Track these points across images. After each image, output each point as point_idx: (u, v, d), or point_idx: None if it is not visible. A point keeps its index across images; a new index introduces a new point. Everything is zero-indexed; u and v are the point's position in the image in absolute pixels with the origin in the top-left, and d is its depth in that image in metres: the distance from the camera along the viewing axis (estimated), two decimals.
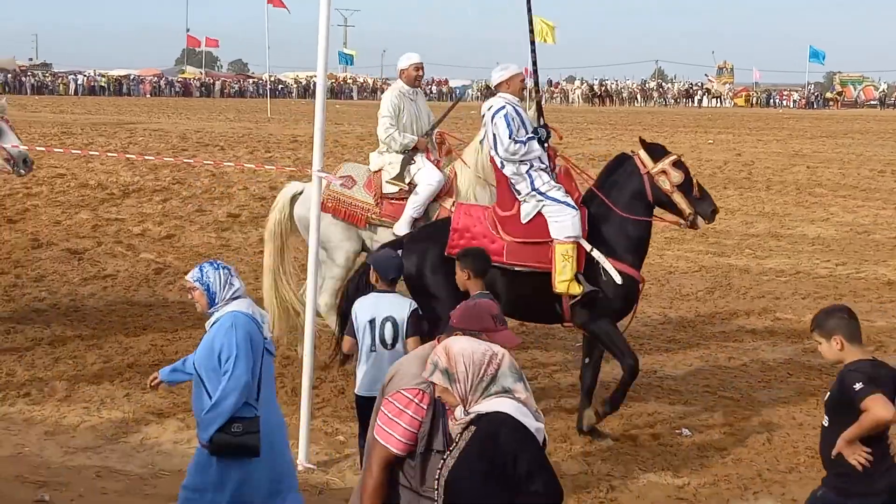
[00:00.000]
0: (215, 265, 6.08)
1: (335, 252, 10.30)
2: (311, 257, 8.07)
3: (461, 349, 4.18)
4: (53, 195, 20.71)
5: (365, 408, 6.99)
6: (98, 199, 20.48)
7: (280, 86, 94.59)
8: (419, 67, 10.50)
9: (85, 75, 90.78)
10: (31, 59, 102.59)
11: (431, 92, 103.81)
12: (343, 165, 10.97)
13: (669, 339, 11.88)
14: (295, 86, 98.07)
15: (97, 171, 24.01)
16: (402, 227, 9.93)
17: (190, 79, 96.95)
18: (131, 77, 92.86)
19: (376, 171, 10.31)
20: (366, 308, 7.16)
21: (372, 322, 7.09)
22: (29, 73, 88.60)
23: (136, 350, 10.74)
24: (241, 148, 32.48)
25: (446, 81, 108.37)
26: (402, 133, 10.22)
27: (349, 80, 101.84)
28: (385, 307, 7.14)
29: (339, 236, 10.26)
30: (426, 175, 10.10)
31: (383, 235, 10.07)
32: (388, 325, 7.09)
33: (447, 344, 4.25)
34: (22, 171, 10.60)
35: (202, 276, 6.02)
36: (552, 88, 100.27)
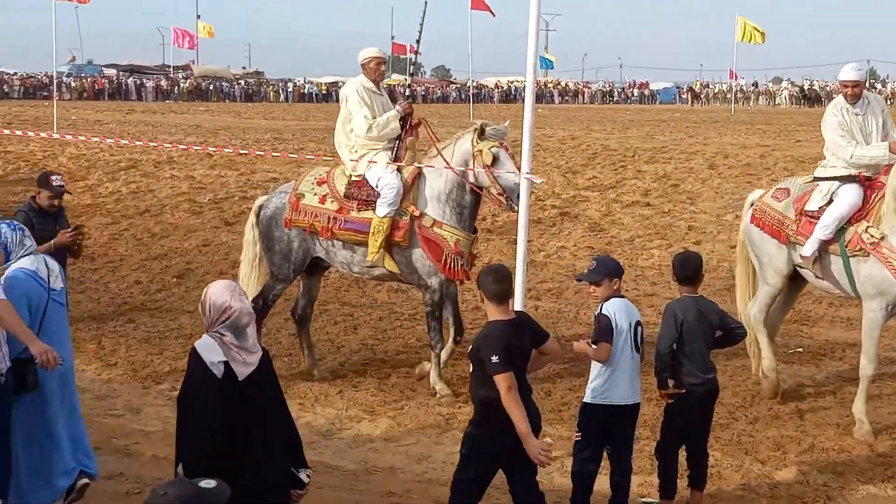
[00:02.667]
0: (12, 226, 6.70)
1: (766, 269, 9.66)
2: (519, 257, 8.09)
3: (212, 293, 5.38)
4: None
5: (622, 416, 6.96)
6: None
7: (482, 91, 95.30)
8: (846, 84, 9.17)
9: (295, 83, 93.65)
10: (244, 68, 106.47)
11: (633, 95, 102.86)
12: (788, 179, 10.21)
13: None
14: (496, 90, 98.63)
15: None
16: (807, 249, 9.10)
17: (395, 85, 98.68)
18: (339, 84, 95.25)
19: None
20: (623, 312, 6.95)
21: (630, 326, 6.94)
22: (242, 81, 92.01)
23: (348, 349, 11.02)
24: None
25: (647, 84, 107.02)
26: (869, 146, 9.01)
27: (550, 85, 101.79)
28: (633, 311, 7.07)
29: (771, 252, 9.53)
30: (843, 194, 9.00)
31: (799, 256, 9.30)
32: (640, 330, 7.01)
33: (211, 284, 5.50)
34: (514, 207, 9.09)
35: (0, 235, 6.59)
36: (757, 90, 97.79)
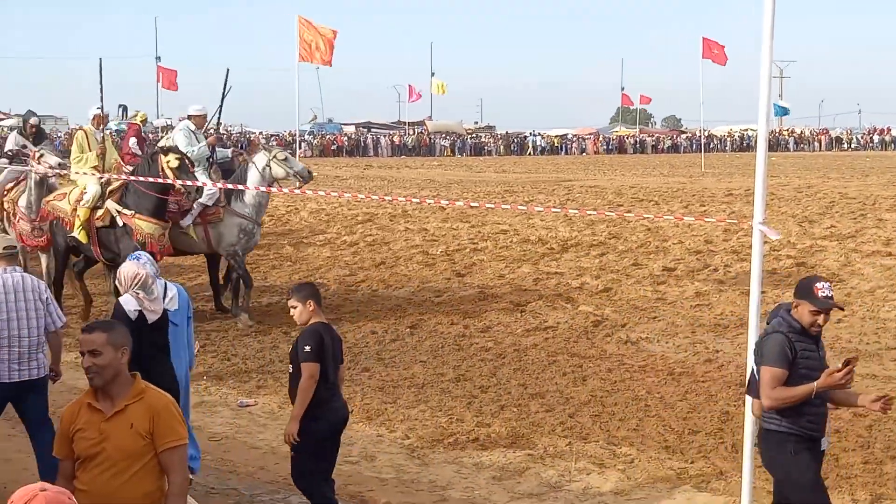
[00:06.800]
0: (131, 257, 8.37)
1: None
2: (752, 309, 7.92)
3: (124, 268, 7.80)
4: (497, 250, 21.70)
5: None
6: (538, 253, 21.22)
7: (713, 140, 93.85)
8: None
9: (524, 136, 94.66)
10: (476, 123, 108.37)
11: (872, 141, 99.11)
12: None
13: None
14: (728, 139, 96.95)
15: (537, 227, 24.91)
16: None
17: (624, 136, 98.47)
18: (569, 136, 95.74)
19: None
20: None
21: None
22: (474, 136, 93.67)
23: (577, 401, 10.99)
24: (675, 202, 32.52)
25: (888, 130, 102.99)
26: None
27: (785, 132, 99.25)
28: None
29: None
30: None
31: None
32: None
33: (122, 264, 8.04)
34: None
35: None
36: None
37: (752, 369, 6.77)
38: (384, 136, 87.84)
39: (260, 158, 15.04)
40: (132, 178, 14.04)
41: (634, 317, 15.13)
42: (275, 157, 14.95)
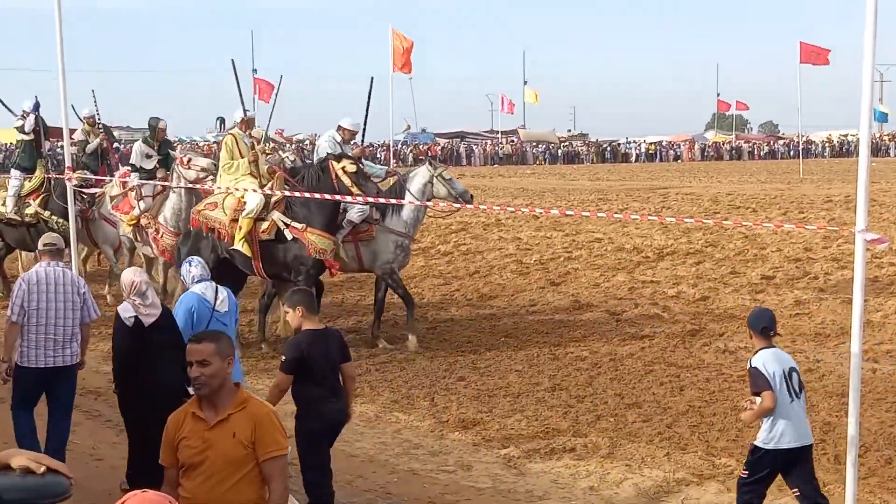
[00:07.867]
0: (186, 260, 9.52)
1: None
2: (855, 317, 7.77)
3: (123, 276, 8.45)
4: (592, 258, 21.60)
5: (796, 458, 7.26)
6: (634, 262, 21.06)
7: (811, 145, 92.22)
8: None
9: (618, 143, 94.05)
10: (569, 131, 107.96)
11: None
12: None
13: None
14: (827, 145, 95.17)
15: (632, 236, 24.74)
16: None
17: (720, 142, 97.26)
18: (663, 143, 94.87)
19: None
20: (773, 360, 7.29)
21: (783, 372, 7.26)
22: (567, 144, 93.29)
23: (675, 411, 10.88)
24: (773, 209, 32.03)
25: None
26: None
27: (886, 137, 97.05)
28: (785, 358, 7.40)
29: None
30: None
31: None
32: (795, 376, 7.31)
33: (123, 271, 9.20)
34: None
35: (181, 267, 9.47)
36: None
37: None
38: (477, 146, 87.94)
39: (423, 173, 14.39)
40: (307, 194, 13.13)
41: (732, 326, 14.92)
42: (440, 174, 14.24)
